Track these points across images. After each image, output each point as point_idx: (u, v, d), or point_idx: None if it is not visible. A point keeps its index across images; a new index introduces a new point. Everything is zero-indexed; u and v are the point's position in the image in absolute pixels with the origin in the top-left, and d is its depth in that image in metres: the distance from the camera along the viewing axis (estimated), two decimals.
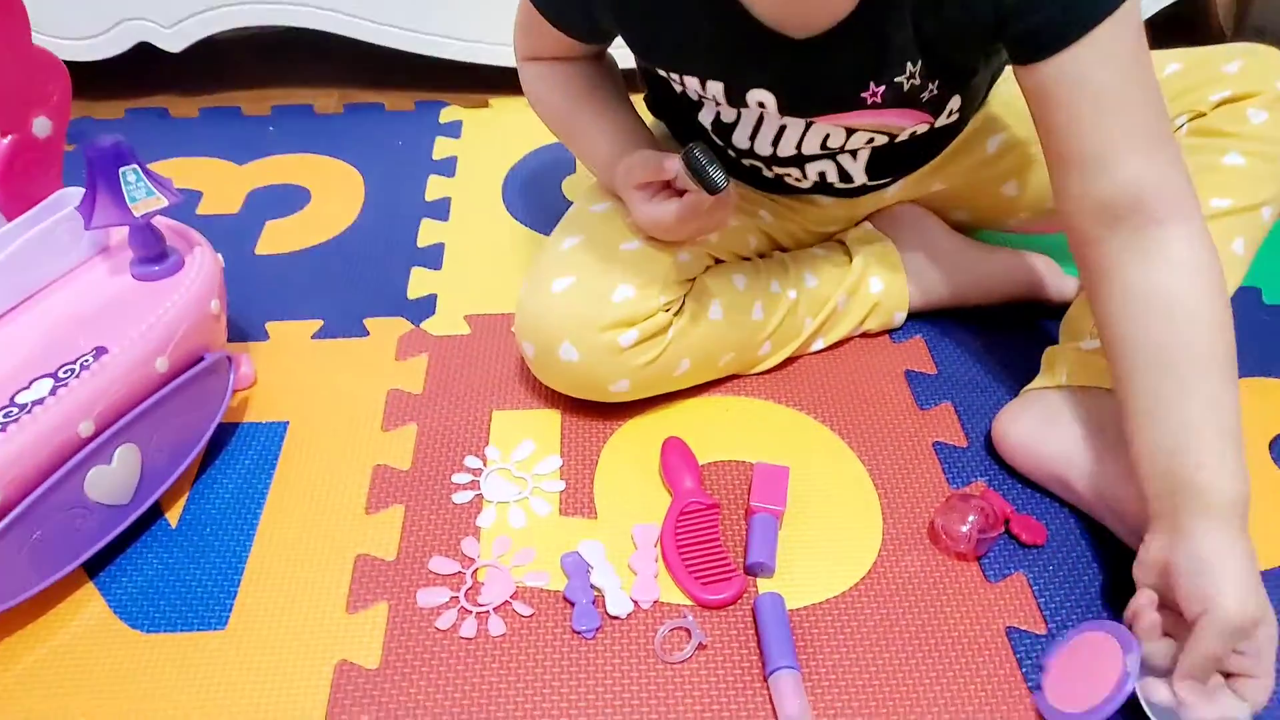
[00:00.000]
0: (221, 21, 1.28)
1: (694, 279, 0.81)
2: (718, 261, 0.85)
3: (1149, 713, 0.60)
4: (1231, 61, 0.79)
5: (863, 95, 0.72)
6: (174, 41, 1.29)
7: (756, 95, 0.73)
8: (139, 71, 1.35)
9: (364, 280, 1.01)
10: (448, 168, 1.20)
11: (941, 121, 0.79)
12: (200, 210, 1.13)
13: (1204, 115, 0.78)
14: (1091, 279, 0.69)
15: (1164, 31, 1.40)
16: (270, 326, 0.95)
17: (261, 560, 0.73)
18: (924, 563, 0.73)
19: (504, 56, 1.30)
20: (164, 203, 0.75)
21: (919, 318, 0.94)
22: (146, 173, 0.75)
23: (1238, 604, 0.57)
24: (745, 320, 0.83)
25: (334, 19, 1.28)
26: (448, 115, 1.31)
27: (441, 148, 1.24)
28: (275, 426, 0.84)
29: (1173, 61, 0.82)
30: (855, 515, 0.76)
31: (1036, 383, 0.81)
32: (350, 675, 0.66)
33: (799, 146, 0.80)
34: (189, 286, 0.78)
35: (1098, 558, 0.73)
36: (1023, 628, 0.68)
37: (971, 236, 0.96)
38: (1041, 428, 0.76)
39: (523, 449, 0.81)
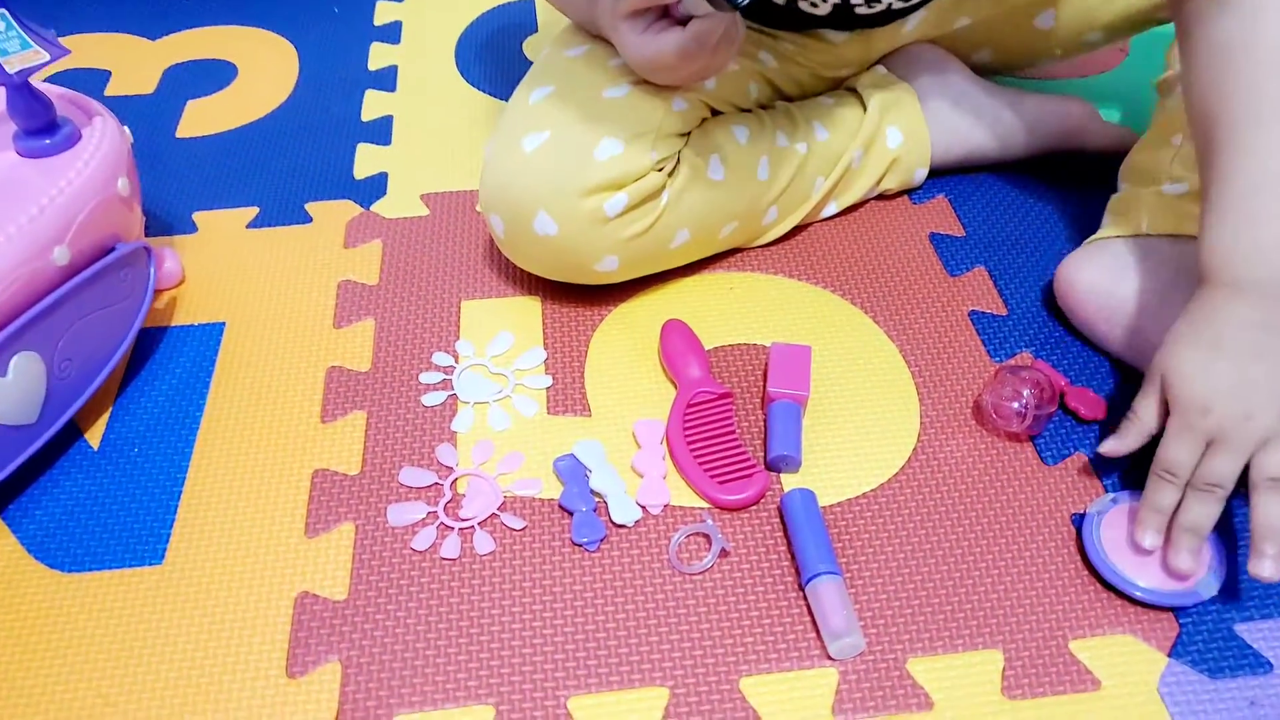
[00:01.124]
0: None
1: (688, 134, 0.70)
2: (715, 114, 0.73)
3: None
4: None
5: None
6: None
7: None
8: None
9: (304, 161, 0.88)
10: (392, 34, 1.05)
11: None
12: (109, 91, 0.98)
13: None
14: (1181, 42, 0.59)
15: None
16: (198, 217, 0.82)
17: (200, 483, 0.62)
18: (971, 446, 0.63)
19: None
20: (45, 56, 0.62)
21: (940, 175, 0.83)
22: (20, 22, 0.61)
23: (1195, 375, 0.54)
24: (749, 180, 0.71)
25: None
26: None
27: (384, 12, 1.09)
28: (210, 329, 0.73)
29: None
30: (888, 397, 0.66)
31: (1106, 231, 0.70)
32: (313, 609, 0.56)
33: None
34: (89, 162, 0.65)
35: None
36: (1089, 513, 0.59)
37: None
38: (1118, 274, 0.66)
39: (499, 342, 0.70)
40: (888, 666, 0.53)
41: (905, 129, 0.79)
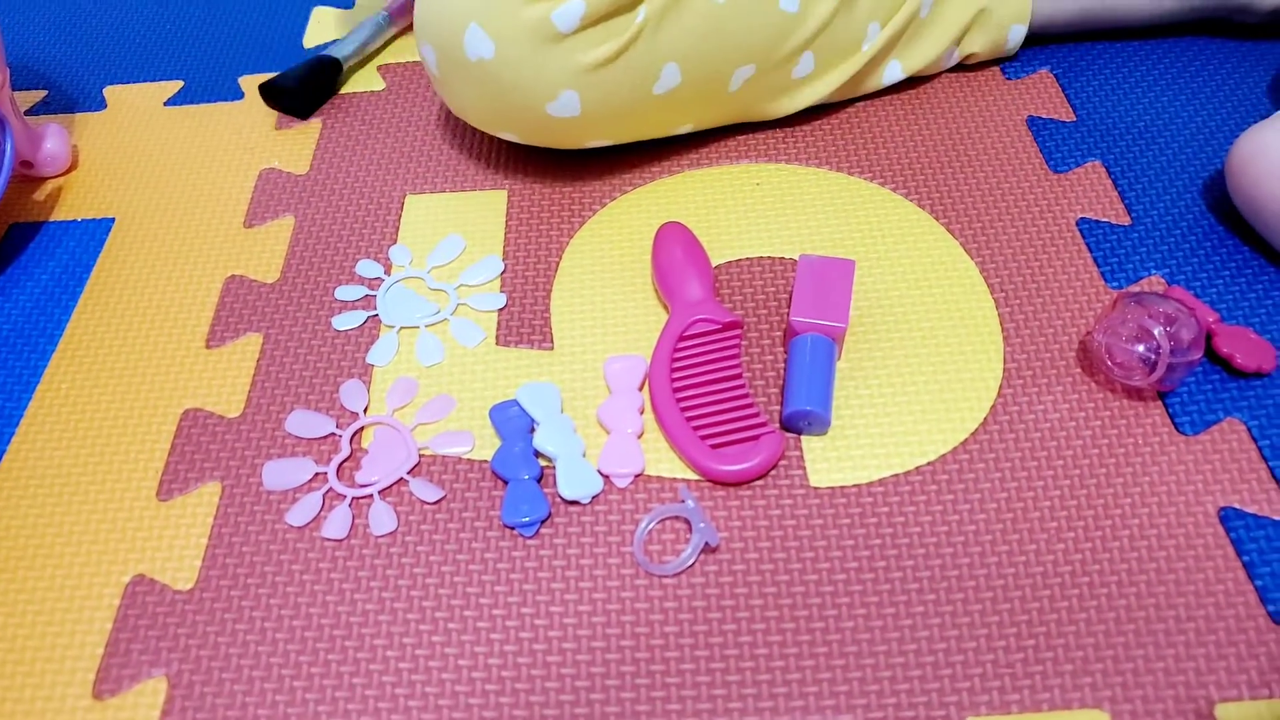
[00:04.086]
0: None
1: None
2: None
3: None
4: None
5: None
6: None
7: None
8: None
9: (245, 28, 0.72)
10: None
11: None
12: None
13: None
14: None
15: None
16: (110, 92, 0.67)
17: (38, 422, 0.48)
18: (1074, 405, 0.45)
19: None
20: None
21: (1042, 42, 0.63)
22: None
23: None
24: (768, 6, 0.52)
25: None
26: None
27: None
28: (95, 225, 0.58)
29: None
30: (960, 333, 0.48)
31: None
32: (145, 602, 0.41)
33: None
34: None
35: None
36: (1249, 509, 0.41)
37: None
38: None
39: (446, 248, 0.54)
40: None
41: None
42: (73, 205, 0.59)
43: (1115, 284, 0.50)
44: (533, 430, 0.44)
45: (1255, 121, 0.56)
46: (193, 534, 0.43)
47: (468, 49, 0.49)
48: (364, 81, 0.66)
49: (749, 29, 0.53)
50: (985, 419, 0.45)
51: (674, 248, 0.50)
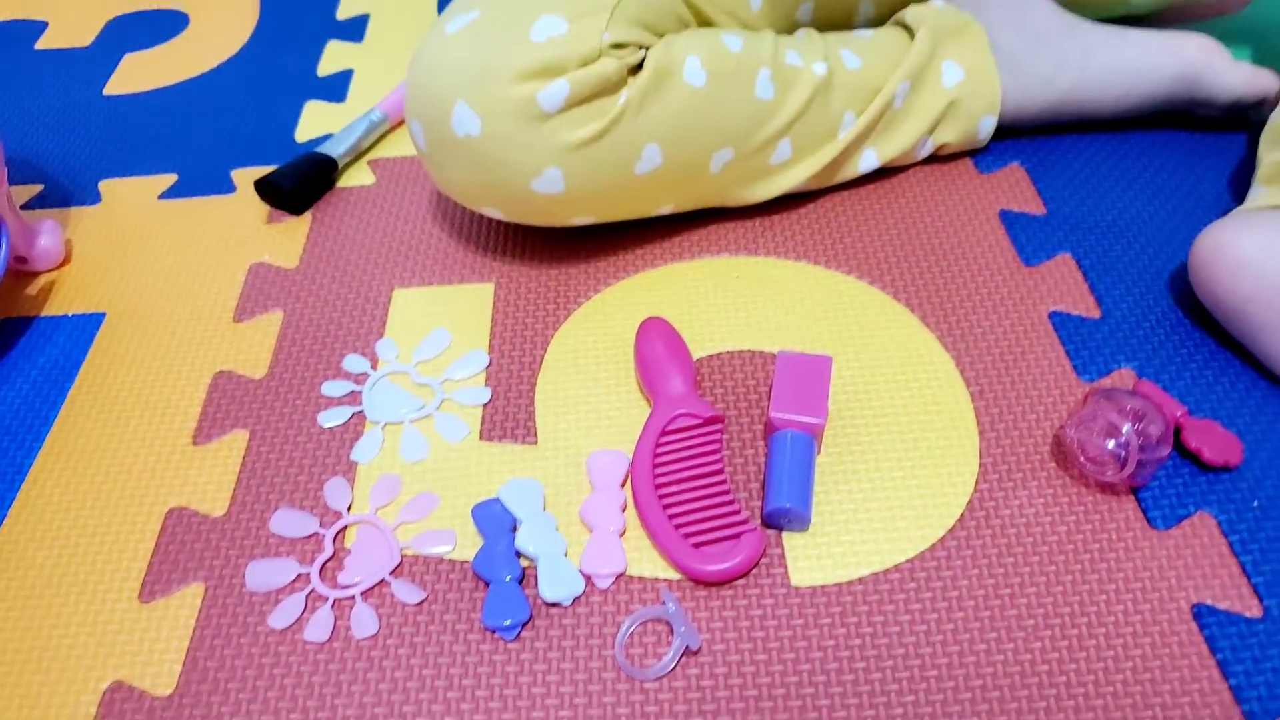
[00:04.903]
0: None
1: (662, 34, 0.54)
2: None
3: None
4: None
5: None
6: None
7: None
8: None
9: (240, 121, 0.74)
10: None
11: None
12: (41, 44, 0.85)
13: None
14: None
15: None
16: (105, 185, 0.69)
17: (23, 523, 0.48)
18: (1049, 500, 0.46)
19: None
20: None
21: (1013, 134, 0.65)
22: None
23: None
24: (744, 94, 0.54)
25: None
26: None
27: None
28: (85, 320, 0.59)
29: None
30: (937, 428, 0.49)
31: (1261, 199, 0.53)
32: (123, 709, 0.41)
33: None
34: None
35: None
36: (1221, 606, 0.41)
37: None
38: None
39: (432, 342, 0.55)
40: None
41: (967, 65, 0.61)
42: (64, 300, 0.60)
43: (1087, 377, 0.51)
44: (515, 529, 0.45)
45: (1218, 215, 0.58)
46: (174, 637, 0.43)
47: (455, 126, 0.51)
48: (355, 176, 0.67)
49: (727, 114, 0.55)
50: (962, 514, 0.45)
51: (656, 342, 0.51)
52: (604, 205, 0.55)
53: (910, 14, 0.63)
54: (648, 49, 0.52)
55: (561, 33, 0.50)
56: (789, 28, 0.64)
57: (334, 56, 0.80)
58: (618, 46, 0.50)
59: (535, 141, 0.50)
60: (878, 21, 0.67)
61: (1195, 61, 0.62)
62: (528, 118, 0.50)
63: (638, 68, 0.52)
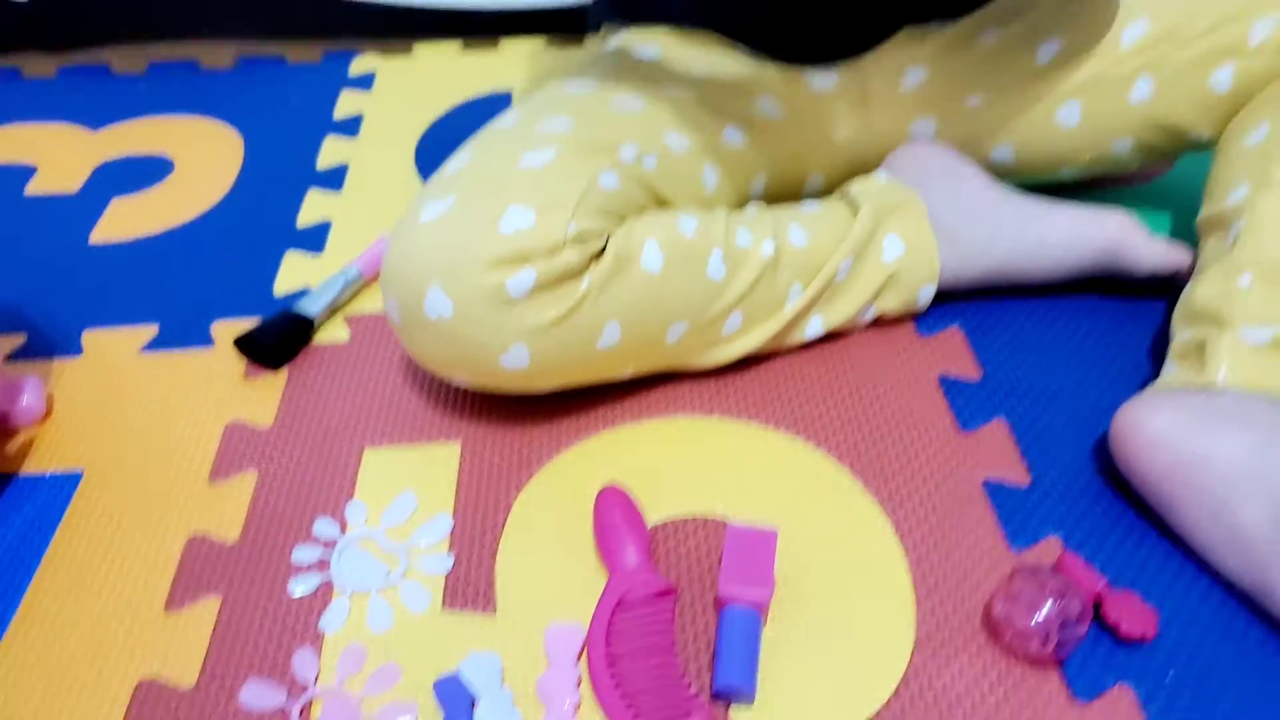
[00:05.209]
0: None
1: (623, 219, 0.58)
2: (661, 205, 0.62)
3: None
4: None
5: None
6: None
7: None
8: None
9: (220, 271, 0.77)
10: (350, 127, 0.95)
11: None
12: (30, 190, 0.89)
13: None
14: None
15: None
16: (88, 337, 0.71)
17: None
18: (980, 672, 0.48)
19: None
20: None
21: (954, 298, 0.69)
22: None
23: None
24: (697, 275, 0.59)
25: None
26: (359, 66, 1.06)
27: (346, 103, 0.99)
28: (63, 479, 0.61)
29: None
30: (876, 598, 0.52)
31: (1174, 377, 0.58)
32: None
33: None
34: None
35: (1244, 657, 0.49)
36: None
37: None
38: (1195, 428, 0.53)
39: (400, 506, 0.57)
40: None
41: (907, 239, 0.66)
42: (43, 457, 0.62)
43: (1016, 546, 0.54)
44: (474, 705, 0.47)
45: (1142, 382, 0.62)
46: None
47: (428, 308, 0.55)
48: (331, 332, 0.70)
49: (682, 294, 0.59)
50: (898, 686, 0.48)
51: (613, 512, 0.54)
52: (567, 376, 0.59)
53: (854, 188, 0.68)
54: (610, 234, 0.57)
55: (529, 225, 0.54)
56: (743, 201, 0.69)
57: (313, 206, 0.84)
58: (581, 237, 0.55)
59: (503, 324, 0.54)
60: (825, 192, 0.72)
61: (1115, 237, 0.67)
62: (497, 303, 0.54)
63: (600, 251, 0.56)
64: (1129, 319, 0.69)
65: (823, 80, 0.70)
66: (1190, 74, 0.66)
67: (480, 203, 0.55)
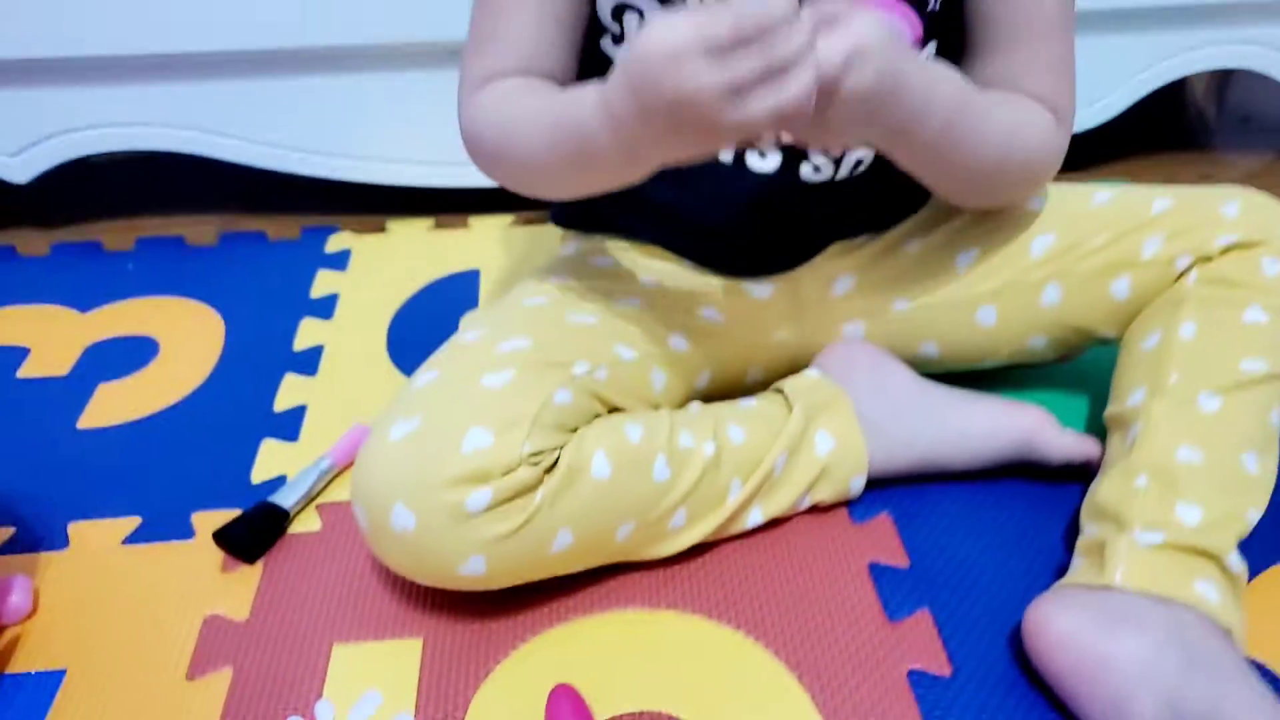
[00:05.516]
0: (73, 148, 1.11)
1: (575, 429, 0.64)
2: (612, 411, 0.68)
3: None
4: (1228, 203, 0.69)
5: None
6: (19, 172, 1.12)
7: None
8: None
9: (201, 460, 0.82)
10: (326, 307, 1.02)
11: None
12: (21, 373, 0.94)
13: (1211, 260, 0.68)
14: None
15: (1147, 121, 1.29)
16: (74, 528, 0.76)
17: None
18: None
19: (404, 175, 1.14)
20: None
21: (885, 484, 0.75)
22: None
23: None
24: (643, 480, 0.65)
25: (206, 141, 1.11)
26: (335, 243, 1.13)
27: (322, 283, 1.06)
28: (46, 678, 0.64)
29: (1161, 197, 0.72)
30: None
31: (1079, 574, 0.63)
32: None
33: None
34: None
35: None
36: None
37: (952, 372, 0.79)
38: (1096, 627, 0.58)
39: (365, 704, 0.61)
40: None
41: (837, 434, 0.72)
42: (27, 656, 0.66)
43: None
44: None
45: (1054, 571, 0.68)
46: None
47: (393, 521, 0.60)
48: (305, 521, 0.75)
49: (630, 497, 0.64)
50: None
51: (563, 711, 0.58)
52: (522, 578, 0.64)
53: (788, 385, 0.74)
54: (562, 447, 0.62)
55: (487, 445, 0.59)
56: (689, 397, 0.75)
57: (290, 391, 0.90)
58: (535, 456, 0.60)
59: (463, 537, 0.59)
60: (765, 383, 0.78)
61: (1028, 429, 0.74)
62: (456, 518, 0.59)
63: (553, 465, 0.62)
64: (1048, 504, 0.74)
65: (761, 289, 0.77)
66: (1093, 282, 0.74)
67: (444, 424, 0.61)
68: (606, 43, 0.70)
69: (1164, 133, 1.35)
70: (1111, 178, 1.21)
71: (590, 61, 0.70)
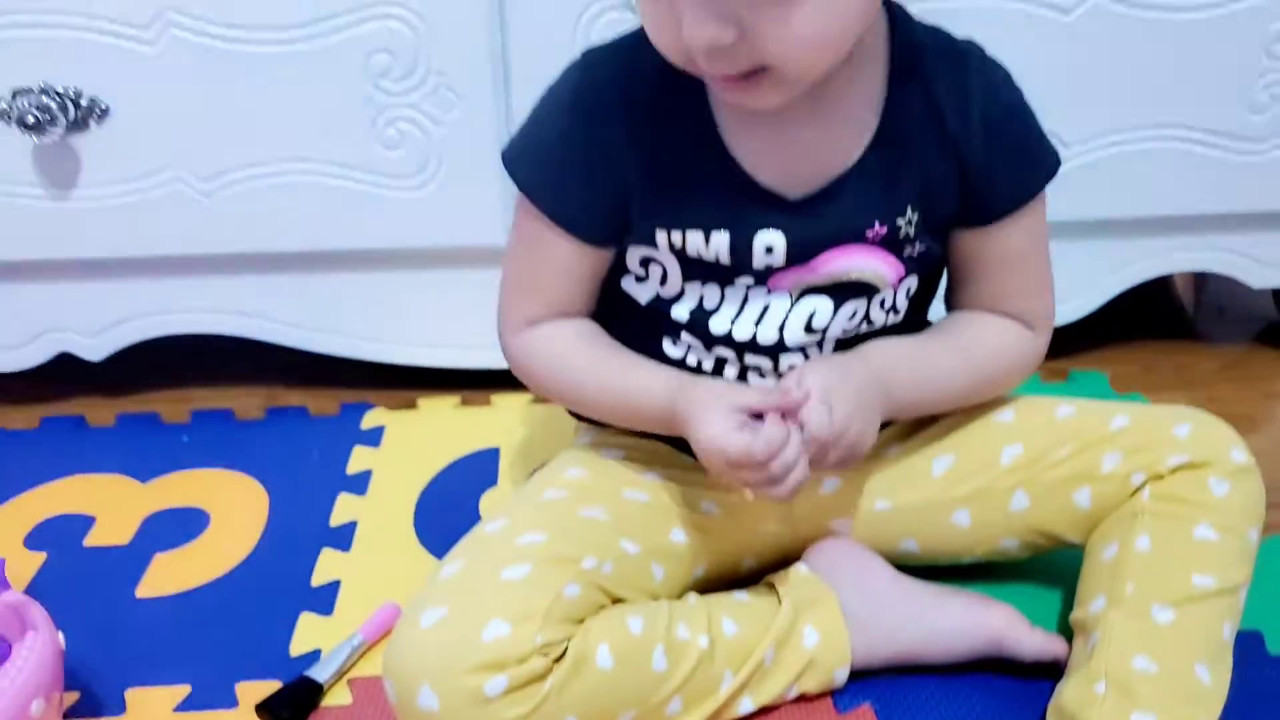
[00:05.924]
0: (144, 330, 1.24)
1: (583, 620, 0.72)
2: (616, 602, 0.76)
3: None
4: (1180, 424, 0.78)
5: (867, 233, 0.75)
6: (95, 351, 1.24)
7: (764, 239, 0.74)
8: (57, 374, 1.29)
9: (245, 631, 0.90)
10: (360, 484, 1.11)
11: (900, 301, 0.81)
12: (88, 541, 1.03)
13: (1163, 478, 0.76)
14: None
15: (1127, 311, 1.37)
16: (130, 695, 0.83)
17: None
18: None
19: (437, 358, 1.26)
20: None
21: (867, 675, 0.82)
22: None
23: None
24: (643, 670, 0.72)
25: (256, 326, 1.24)
26: (371, 420, 1.23)
27: (358, 459, 1.15)
28: None
29: (1119, 415, 0.81)
30: None
31: None
32: None
33: (781, 328, 0.78)
34: (8, 684, 0.67)
35: None
36: None
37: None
38: None
39: None
40: None
41: (823, 629, 0.79)
42: None
43: None
44: None
45: None
46: None
47: (420, 701, 0.67)
48: (336, 695, 0.82)
49: (631, 686, 0.72)
50: None
51: None
52: None
53: (779, 580, 0.82)
54: (570, 639, 0.70)
55: (505, 635, 0.67)
56: (685, 587, 0.83)
57: (326, 566, 0.98)
58: (546, 647, 0.68)
59: (481, 718, 0.66)
60: (758, 573, 0.86)
61: (998, 630, 0.81)
62: (476, 702, 0.66)
63: (562, 655, 0.69)
64: (1021, 697, 0.80)
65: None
66: (1058, 491, 0.82)
67: (468, 614, 0.68)
68: (629, 282, 0.81)
69: (1143, 322, 1.43)
70: (1088, 367, 1.30)
71: (612, 293, 0.82)
